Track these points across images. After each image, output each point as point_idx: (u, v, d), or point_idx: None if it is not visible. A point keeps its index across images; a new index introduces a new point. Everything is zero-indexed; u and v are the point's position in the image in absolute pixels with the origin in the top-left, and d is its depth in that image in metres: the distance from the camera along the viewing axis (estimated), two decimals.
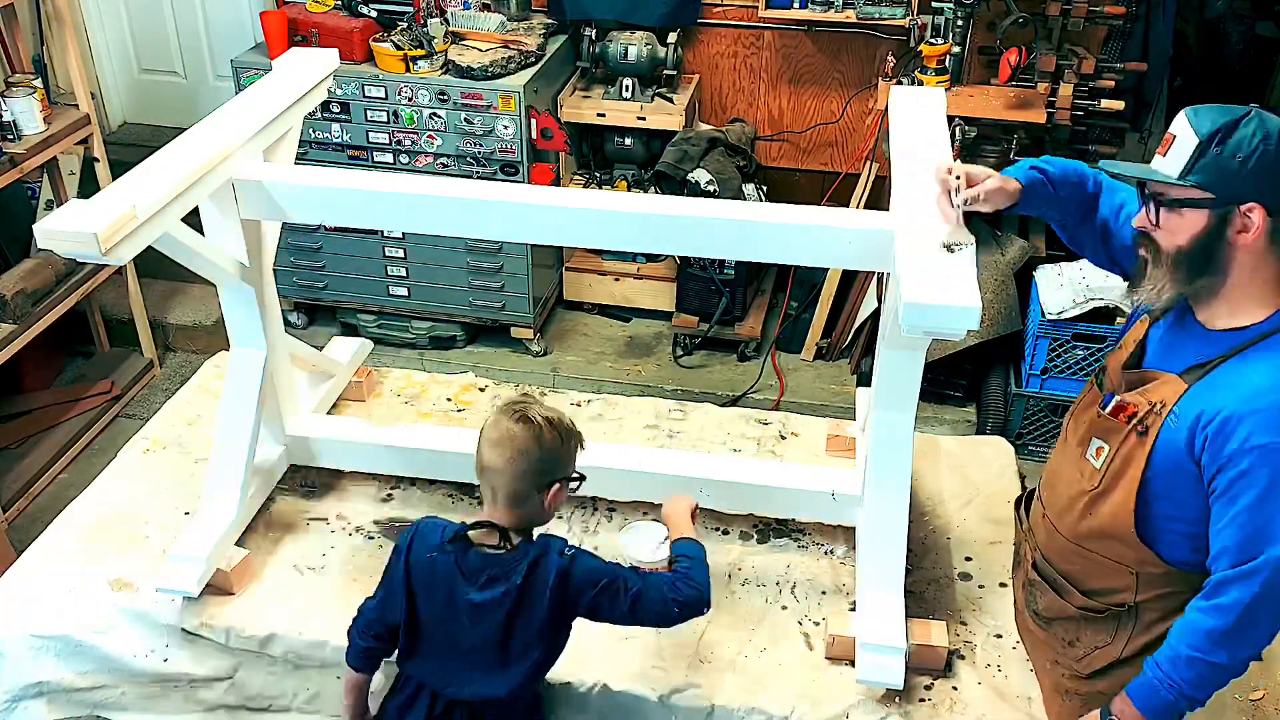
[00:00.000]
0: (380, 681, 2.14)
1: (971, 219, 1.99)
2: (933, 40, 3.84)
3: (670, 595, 1.96)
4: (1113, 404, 1.84)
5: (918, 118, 2.39)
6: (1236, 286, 1.73)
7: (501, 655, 1.96)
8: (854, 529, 2.50)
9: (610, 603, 1.95)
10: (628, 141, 4.44)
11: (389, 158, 4.22)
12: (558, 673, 2.22)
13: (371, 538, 2.54)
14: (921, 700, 2.18)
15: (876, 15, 4.09)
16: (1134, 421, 1.79)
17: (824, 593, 2.42)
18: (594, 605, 1.96)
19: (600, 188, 4.45)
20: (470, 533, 1.92)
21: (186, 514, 2.58)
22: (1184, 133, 1.69)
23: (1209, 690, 1.76)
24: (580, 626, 2.31)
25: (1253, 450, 1.64)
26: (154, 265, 3.35)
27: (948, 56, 3.85)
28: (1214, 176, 1.66)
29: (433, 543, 1.94)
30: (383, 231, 4.32)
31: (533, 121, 4.07)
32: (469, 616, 1.92)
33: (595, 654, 2.26)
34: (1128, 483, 1.80)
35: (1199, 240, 1.70)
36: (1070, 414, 2.00)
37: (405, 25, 4.15)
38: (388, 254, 4.39)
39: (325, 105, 4.03)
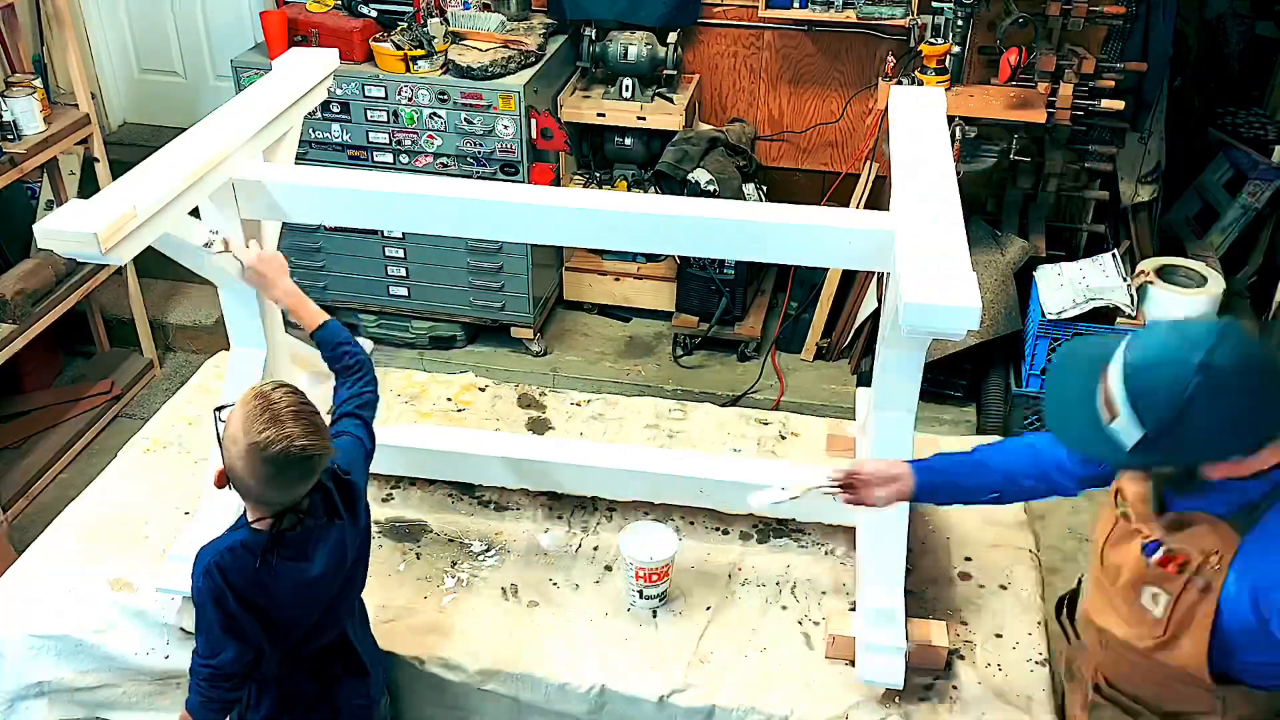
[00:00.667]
0: None
1: (970, 220, 1.99)
2: (933, 40, 3.84)
3: (367, 393, 2.09)
4: (1159, 554, 1.68)
5: (918, 118, 2.40)
6: (1235, 472, 1.59)
7: (348, 585, 2.00)
8: (854, 529, 2.50)
9: (362, 460, 2.04)
10: (628, 141, 4.44)
11: (389, 158, 4.22)
12: (556, 673, 2.23)
13: (372, 538, 2.54)
14: (921, 700, 2.18)
15: (876, 15, 4.09)
16: (1188, 572, 1.64)
17: (824, 593, 2.42)
18: (363, 475, 2.03)
19: (600, 188, 4.45)
20: (262, 530, 1.86)
21: (186, 514, 2.58)
22: (1126, 414, 1.52)
23: None
24: (580, 626, 2.32)
25: None
26: (154, 265, 3.35)
27: (948, 56, 3.85)
28: (1168, 455, 1.55)
29: (246, 561, 1.85)
30: (383, 231, 4.32)
31: (533, 121, 4.07)
32: (318, 585, 1.91)
33: (594, 654, 2.26)
34: (1198, 634, 1.66)
35: (1176, 478, 1.62)
36: (1098, 540, 1.83)
37: (405, 25, 4.15)
38: (388, 254, 4.39)
39: (325, 105, 4.03)
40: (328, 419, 1.97)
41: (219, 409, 1.86)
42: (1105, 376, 1.54)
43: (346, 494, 1.98)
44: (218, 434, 1.83)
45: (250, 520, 1.88)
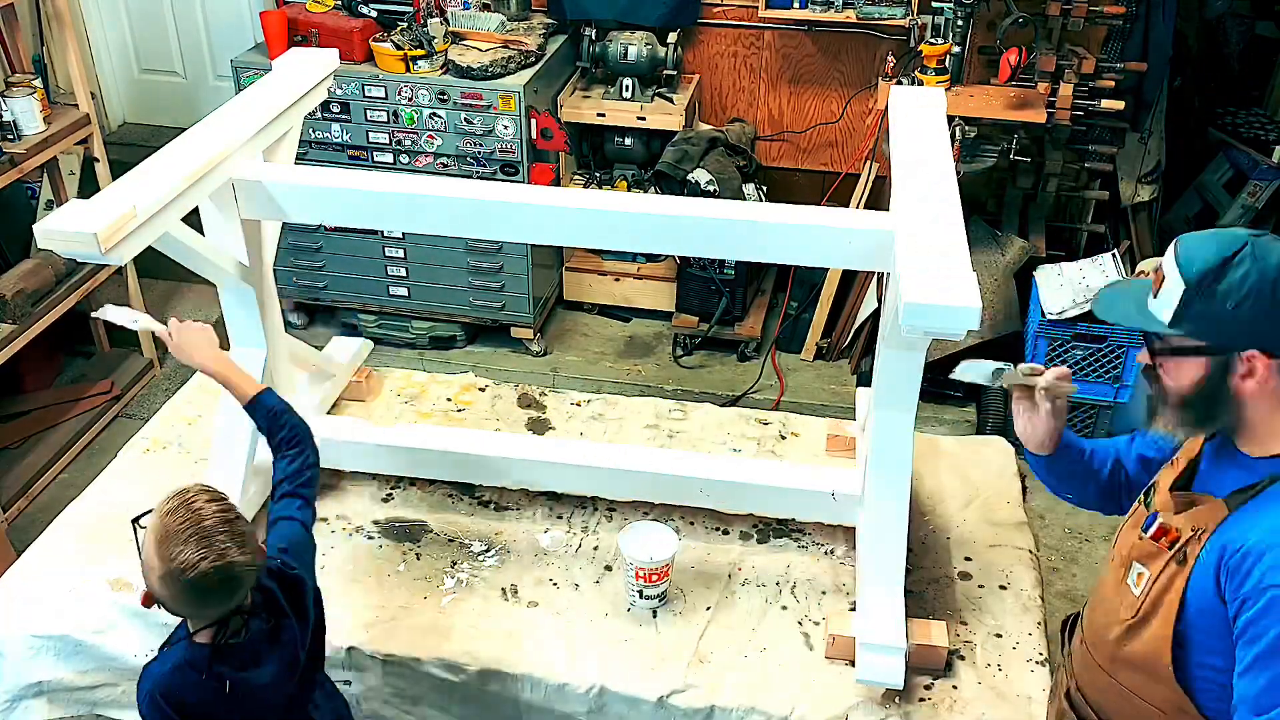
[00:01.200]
0: None
1: (970, 220, 1.98)
2: (933, 40, 3.84)
3: (308, 470, 1.97)
4: (1155, 526, 1.70)
5: (918, 118, 2.40)
6: (1259, 423, 1.60)
7: (305, 682, 1.90)
8: (854, 529, 2.50)
9: (305, 545, 1.92)
10: (628, 141, 4.44)
11: (389, 158, 4.22)
12: (556, 673, 2.23)
13: (371, 538, 2.54)
14: (921, 700, 2.18)
15: (876, 15, 4.10)
16: (1175, 548, 1.65)
17: (824, 593, 2.42)
18: (307, 564, 1.91)
19: (600, 188, 4.45)
20: (206, 644, 1.75)
21: None
22: (1172, 274, 1.57)
23: None
24: (580, 626, 2.32)
25: (1266, 590, 1.52)
26: (154, 265, 3.35)
27: (948, 56, 3.85)
28: (1206, 325, 1.55)
29: (193, 678, 1.73)
30: (383, 231, 4.32)
31: (533, 121, 4.07)
32: (272, 689, 1.81)
33: (593, 654, 2.26)
34: (1165, 612, 1.66)
35: (1200, 388, 1.60)
36: (1119, 530, 1.85)
37: (405, 25, 4.15)
38: (388, 254, 4.39)
39: (325, 105, 4.03)
40: (310, 411, 1.91)
41: (137, 519, 1.73)
42: (1161, 264, 1.61)
43: (291, 590, 1.83)
44: (138, 548, 1.69)
45: (191, 630, 1.75)
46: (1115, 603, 1.77)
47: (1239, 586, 1.55)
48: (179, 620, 1.81)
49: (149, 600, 1.69)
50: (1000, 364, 1.94)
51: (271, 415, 2.03)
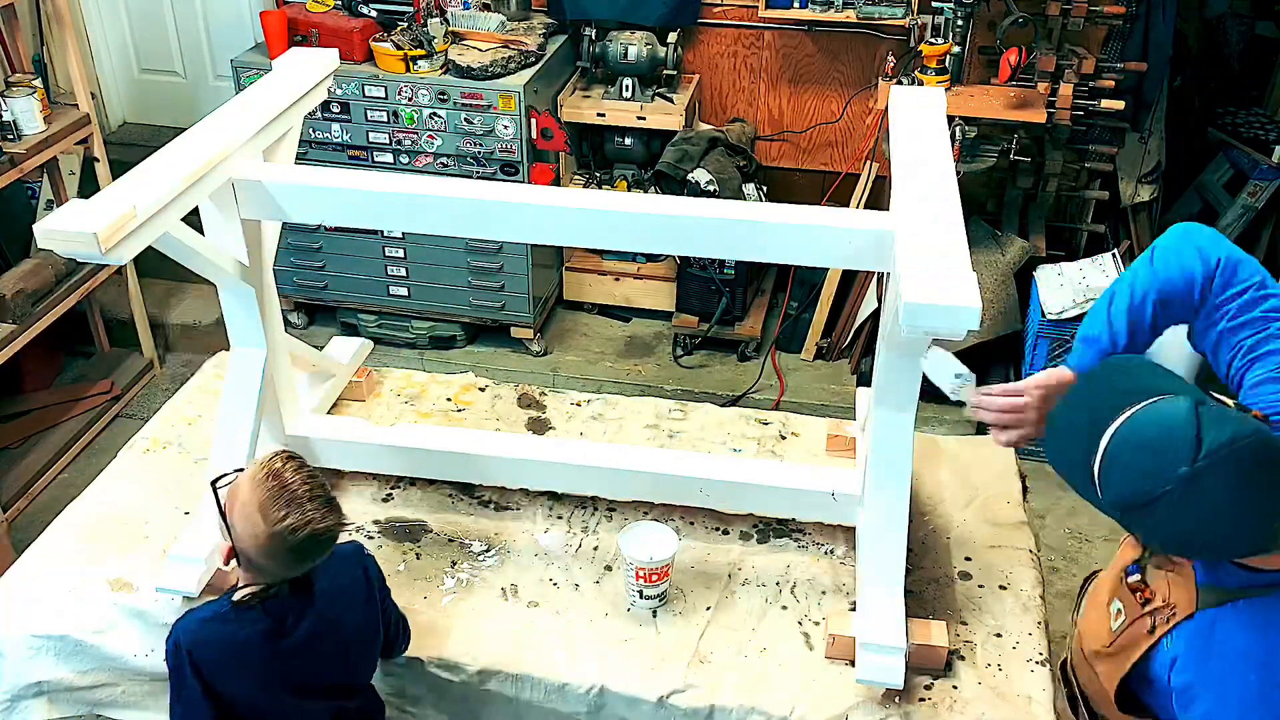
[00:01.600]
0: None
1: (970, 220, 1.99)
2: (933, 40, 3.84)
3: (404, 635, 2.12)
4: (1135, 578, 1.70)
5: (918, 118, 2.39)
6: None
7: (349, 663, 1.96)
8: (854, 529, 2.50)
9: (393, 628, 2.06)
10: (628, 141, 4.44)
11: (389, 158, 4.22)
12: (556, 673, 2.23)
13: (371, 538, 2.54)
14: (921, 700, 2.18)
15: (876, 15, 4.10)
16: (1146, 608, 1.66)
17: (824, 593, 2.42)
18: (381, 588, 2.04)
19: (600, 188, 4.45)
20: (240, 600, 1.82)
21: (186, 514, 2.58)
22: (1097, 476, 1.44)
23: None
24: (580, 626, 2.32)
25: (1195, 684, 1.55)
26: (154, 265, 3.35)
27: (948, 56, 3.85)
28: (1131, 530, 1.52)
29: (222, 633, 1.81)
30: (383, 231, 4.32)
31: (533, 121, 4.07)
32: (301, 657, 1.86)
33: (593, 654, 2.26)
34: (1123, 660, 1.71)
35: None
36: (1123, 541, 1.84)
37: (405, 25, 4.15)
38: (388, 254, 4.39)
39: (325, 105, 4.03)
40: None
41: (216, 481, 1.80)
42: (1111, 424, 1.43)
43: (352, 570, 1.96)
44: (220, 508, 1.78)
45: (239, 585, 1.83)
46: (1100, 623, 1.81)
47: (1183, 710, 1.59)
48: (180, 615, 1.87)
49: (230, 557, 1.79)
50: (963, 372, 1.90)
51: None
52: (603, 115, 4.35)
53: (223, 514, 1.78)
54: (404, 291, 4.47)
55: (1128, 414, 1.40)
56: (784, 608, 2.38)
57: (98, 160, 4.10)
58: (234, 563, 1.81)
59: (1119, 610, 1.75)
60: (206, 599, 1.88)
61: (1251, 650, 1.48)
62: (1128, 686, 1.74)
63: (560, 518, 2.61)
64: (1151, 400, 1.40)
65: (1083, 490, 1.48)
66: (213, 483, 1.80)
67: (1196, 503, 1.34)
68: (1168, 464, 1.34)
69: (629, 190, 4.42)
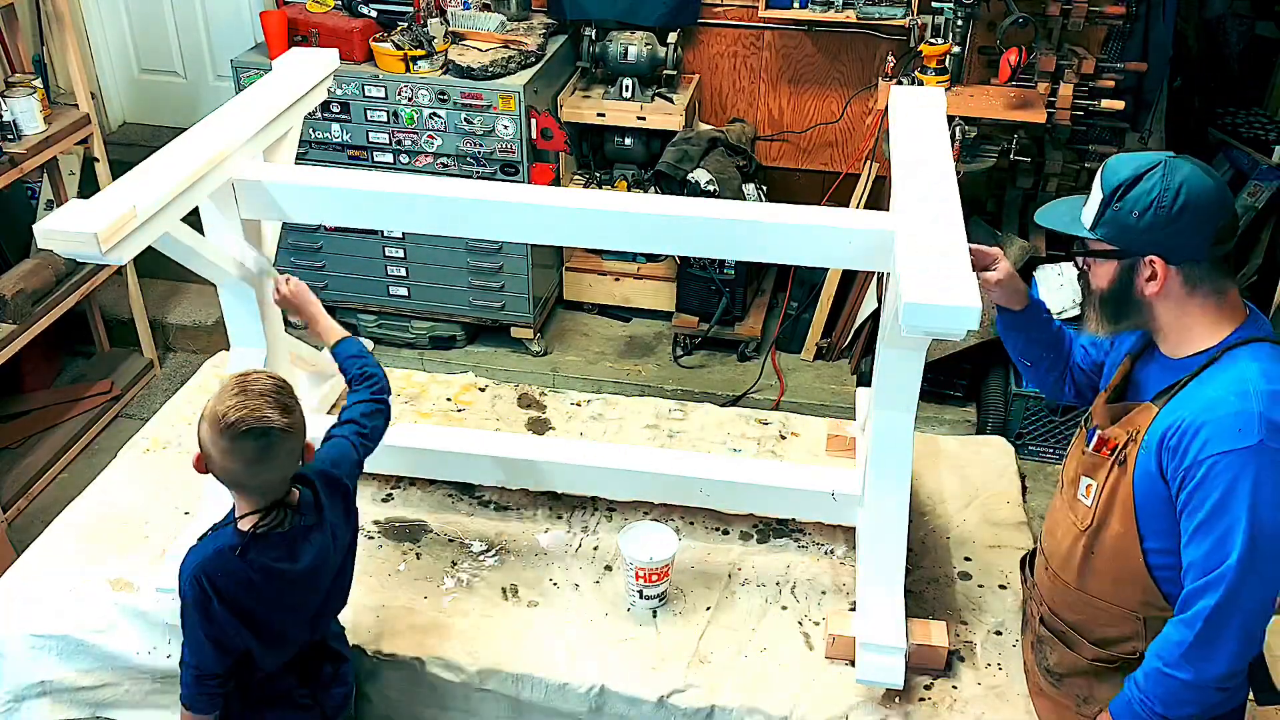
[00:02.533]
0: None
1: (970, 220, 2.00)
2: (933, 40, 3.84)
3: (375, 400, 2.11)
4: (1095, 439, 1.86)
5: (918, 118, 2.40)
6: (1169, 325, 1.80)
7: (336, 583, 2.01)
8: (854, 529, 2.50)
9: (352, 465, 2.04)
10: (628, 141, 4.44)
11: (389, 158, 4.22)
12: (556, 673, 2.23)
13: (372, 538, 2.54)
14: (921, 700, 2.18)
15: (876, 15, 4.10)
16: (1115, 454, 1.81)
17: (824, 593, 2.42)
18: (351, 476, 2.04)
19: (600, 188, 4.45)
20: (248, 530, 1.87)
21: (186, 514, 2.58)
22: (1097, 184, 1.79)
23: (1183, 710, 1.72)
24: (580, 626, 2.32)
25: (1208, 459, 1.65)
26: (154, 265, 3.35)
27: (948, 56, 3.85)
28: (1116, 230, 1.76)
29: (232, 563, 1.85)
30: (383, 231, 4.32)
31: (533, 121, 4.07)
32: (305, 584, 1.92)
33: (593, 654, 2.26)
34: (1121, 512, 1.80)
35: (1113, 287, 1.80)
36: (1064, 461, 2.01)
37: (405, 25, 4.15)
38: (388, 254, 4.39)
39: (325, 105, 4.03)
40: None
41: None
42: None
43: (333, 492, 1.97)
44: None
45: (238, 516, 1.88)
46: (1071, 518, 1.91)
47: (1180, 463, 1.69)
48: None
49: (200, 463, 1.84)
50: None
51: (352, 357, 2.19)
52: (603, 115, 4.35)
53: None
54: (404, 291, 4.47)
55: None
56: (784, 608, 2.38)
57: (98, 160, 4.10)
58: (206, 473, 1.85)
59: (1089, 484, 1.86)
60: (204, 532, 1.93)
61: (1224, 388, 1.69)
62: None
63: (560, 518, 2.61)
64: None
65: (1069, 224, 1.84)
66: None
67: (1179, 173, 1.72)
68: (1154, 155, 1.78)
69: (629, 190, 4.42)
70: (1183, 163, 1.75)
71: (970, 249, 1.94)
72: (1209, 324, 1.76)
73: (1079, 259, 1.86)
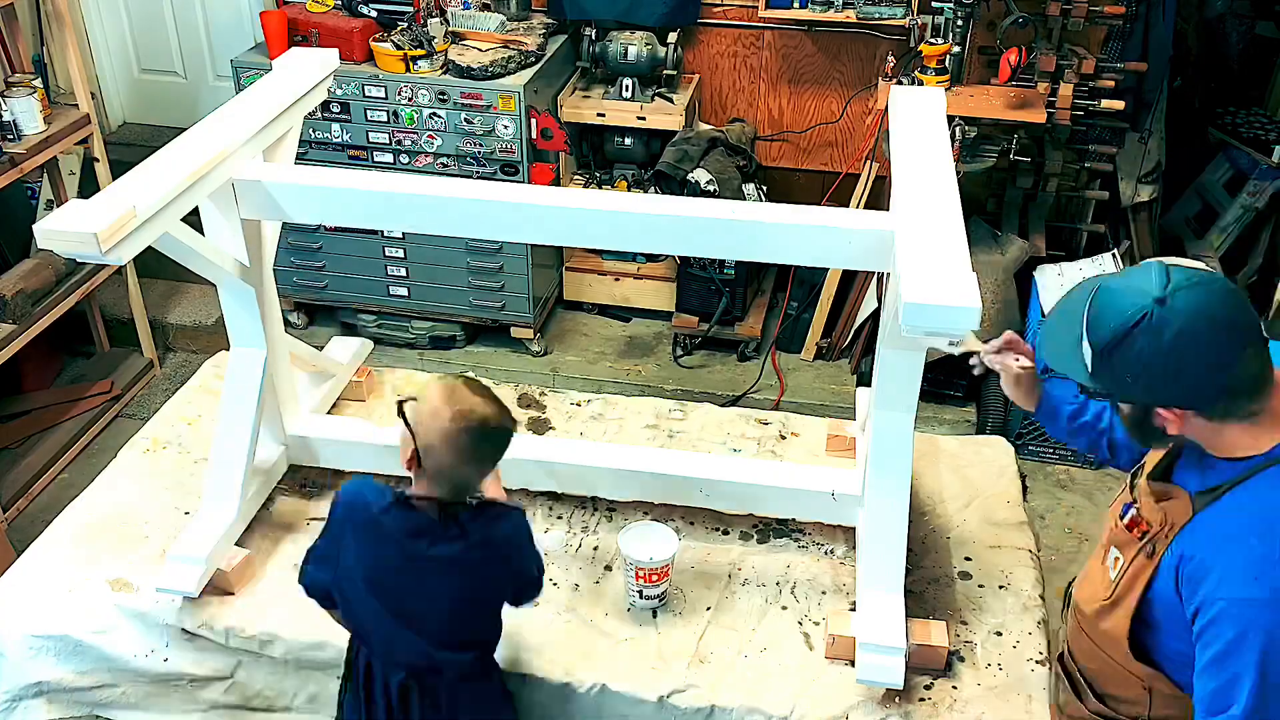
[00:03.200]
0: None
1: (970, 220, 2.00)
2: (933, 40, 3.84)
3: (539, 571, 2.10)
4: (1129, 515, 1.77)
5: (918, 118, 2.40)
6: (1207, 442, 1.66)
7: (452, 619, 1.99)
8: (854, 529, 2.50)
9: (527, 586, 2.08)
10: (628, 141, 4.44)
11: (389, 158, 4.22)
12: (556, 672, 2.23)
13: None
14: (921, 700, 2.18)
15: (876, 15, 4.10)
16: (1145, 540, 1.72)
17: (824, 593, 2.42)
18: (521, 575, 2.06)
19: (600, 188, 4.45)
20: (411, 498, 1.94)
21: (186, 514, 2.58)
22: (1085, 338, 1.62)
23: None
24: (580, 626, 2.32)
25: (1219, 601, 1.58)
26: (154, 265, 3.35)
27: (948, 56, 3.85)
28: (1116, 386, 1.63)
29: (374, 501, 1.94)
30: (383, 231, 4.32)
31: (533, 121, 4.07)
32: (424, 571, 1.93)
33: (594, 654, 2.26)
34: (1129, 601, 1.75)
35: (1133, 419, 1.70)
36: (1110, 506, 1.92)
37: (405, 25, 4.15)
38: (388, 254, 4.39)
39: (325, 105, 4.03)
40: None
41: (403, 401, 1.92)
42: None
43: (493, 535, 1.98)
44: (406, 422, 1.89)
45: (413, 491, 1.94)
46: (1097, 581, 1.86)
47: (1193, 594, 1.62)
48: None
49: (413, 461, 1.90)
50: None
51: None
52: (603, 115, 4.35)
53: (406, 422, 1.89)
54: (404, 291, 4.47)
55: (1107, 281, 1.63)
56: (784, 608, 2.38)
57: (98, 160, 4.10)
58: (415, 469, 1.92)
59: (1116, 557, 1.80)
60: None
61: (1249, 521, 1.58)
62: (1136, 637, 1.76)
63: (560, 518, 2.61)
64: (1123, 271, 1.66)
65: (1070, 365, 1.65)
66: (400, 402, 1.92)
67: (1169, 327, 1.52)
68: (1142, 293, 1.54)
69: (629, 190, 4.42)
70: (1175, 306, 1.52)
71: (1008, 338, 1.98)
72: (1250, 439, 1.61)
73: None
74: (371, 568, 1.95)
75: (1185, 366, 1.54)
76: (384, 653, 2.00)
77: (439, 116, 4.10)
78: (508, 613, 2.12)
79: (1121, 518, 1.80)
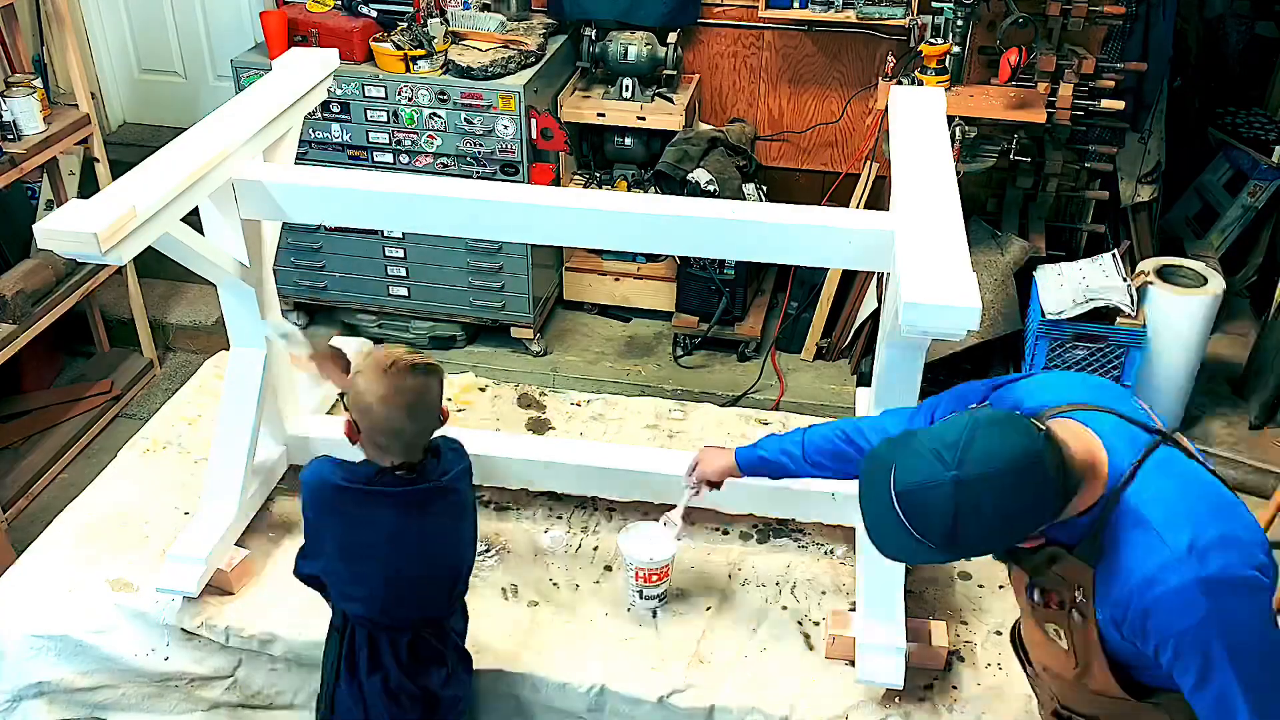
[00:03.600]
0: None
1: (970, 220, 1.99)
2: (933, 40, 3.84)
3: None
4: (1037, 594, 1.77)
5: (918, 118, 2.40)
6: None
7: (451, 559, 2.05)
8: (854, 529, 2.50)
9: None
10: (628, 141, 4.44)
11: (389, 158, 4.22)
12: (557, 672, 2.23)
13: None
14: (921, 700, 2.18)
15: (876, 15, 4.09)
16: (1068, 609, 1.72)
17: (824, 593, 2.42)
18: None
19: (600, 188, 4.45)
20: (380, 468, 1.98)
21: (186, 514, 2.58)
22: (919, 540, 1.55)
23: None
24: (580, 626, 2.32)
25: (1170, 639, 1.57)
26: (154, 265, 3.35)
27: (948, 56, 3.85)
28: (975, 553, 1.60)
29: (341, 476, 1.97)
30: (383, 231, 4.32)
31: (533, 121, 4.07)
32: (410, 538, 1.97)
33: (594, 654, 2.26)
34: (1100, 661, 1.73)
35: (1005, 560, 1.74)
36: (1013, 586, 1.93)
37: (405, 25, 4.15)
38: (388, 254, 4.39)
39: (325, 105, 4.03)
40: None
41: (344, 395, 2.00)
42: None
43: (460, 457, 2.06)
44: (345, 404, 1.96)
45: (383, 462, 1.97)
46: (1057, 655, 1.82)
47: (1146, 642, 1.60)
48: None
49: (352, 430, 1.95)
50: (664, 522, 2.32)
51: None
52: (603, 115, 4.35)
53: (342, 395, 1.95)
54: (404, 291, 4.47)
55: (890, 476, 1.56)
56: (784, 608, 2.38)
57: (98, 160, 4.10)
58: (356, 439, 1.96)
59: (1055, 630, 1.78)
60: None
61: (1140, 549, 1.59)
62: (1127, 680, 1.75)
63: (560, 518, 2.61)
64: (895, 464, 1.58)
65: (924, 557, 1.60)
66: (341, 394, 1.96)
67: (979, 493, 1.50)
68: (937, 482, 1.50)
69: (629, 190, 4.41)
70: (971, 472, 1.51)
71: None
72: (1089, 493, 1.62)
73: None
74: (358, 540, 1.98)
75: (1018, 508, 1.53)
76: (388, 620, 2.02)
77: (439, 116, 4.10)
78: (508, 613, 2.12)
79: (1030, 597, 1.78)
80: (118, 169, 3.74)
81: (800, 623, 2.34)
